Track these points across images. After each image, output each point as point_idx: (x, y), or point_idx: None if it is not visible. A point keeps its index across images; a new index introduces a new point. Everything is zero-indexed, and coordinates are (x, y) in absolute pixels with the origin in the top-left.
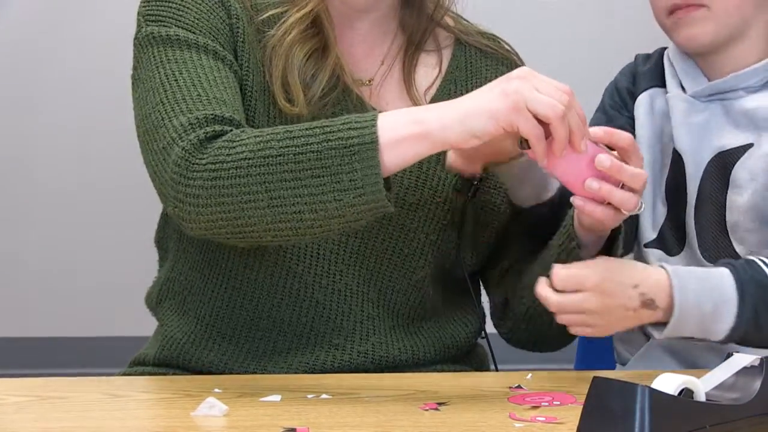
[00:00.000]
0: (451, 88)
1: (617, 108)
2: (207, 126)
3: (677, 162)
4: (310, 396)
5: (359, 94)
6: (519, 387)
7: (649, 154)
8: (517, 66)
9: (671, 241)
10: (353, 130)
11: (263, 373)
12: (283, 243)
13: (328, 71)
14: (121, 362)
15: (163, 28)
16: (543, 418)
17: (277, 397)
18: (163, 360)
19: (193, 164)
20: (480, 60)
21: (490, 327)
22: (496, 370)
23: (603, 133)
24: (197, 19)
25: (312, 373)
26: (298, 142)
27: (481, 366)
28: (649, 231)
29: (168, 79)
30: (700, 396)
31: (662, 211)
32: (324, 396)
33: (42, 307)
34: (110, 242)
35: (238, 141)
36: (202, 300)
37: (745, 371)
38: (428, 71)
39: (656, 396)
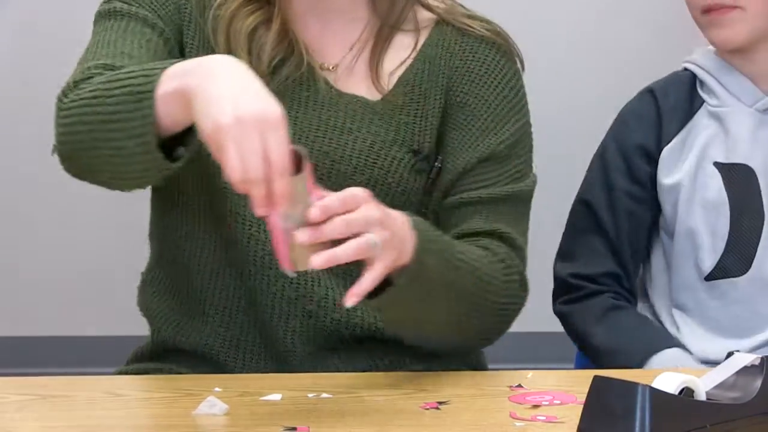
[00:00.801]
0: (422, 66)
1: (641, 184)
2: (89, 70)
3: (737, 176)
4: (310, 395)
5: (325, 76)
6: (519, 386)
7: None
8: (501, 48)
9: (736, 261)
10: (146, 76)
11: (252, 347)
12: (125, 187)
13: (271, 40)
14: (123, 361)
15: (107, 5)
16: (543, 417)
17: (277, 396)
18: (161, 344)
19: (61, 102)
20: (458, 39)
21: None
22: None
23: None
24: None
25: (292, 346)
26: (111, 85)
27: (478, 363)
28: (707, 262)
29: (92, 45)
30: (701, 395)
31: (724, 232)
32: (324, 395)
33: (42, 306)
34: (112, 242)
35: (91, 80)
36: (187, 276)
37: (746, 370)
38: (400, 52)
39: (657, 395)
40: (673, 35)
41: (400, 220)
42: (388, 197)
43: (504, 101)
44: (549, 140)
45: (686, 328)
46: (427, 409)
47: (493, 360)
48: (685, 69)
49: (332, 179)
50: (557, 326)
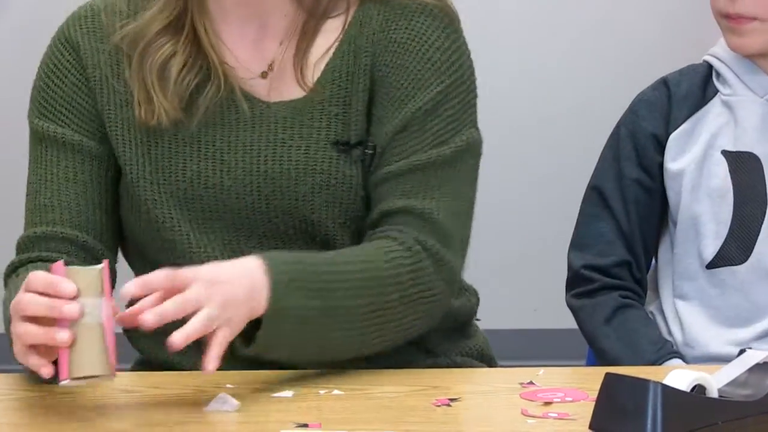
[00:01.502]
0: (347, 49)
1: (648, 169)
2: (19, 253)
3: (743, 164)
4: (321, 392)
5: (243, 87)
6: (531, 383)
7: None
8: (426, 10)
9: (736, 249)
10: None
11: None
12: None
13: (175, 72)
14: (132, 358)
15: (32, 123)
16: (555, 414)
17: (289, 393)
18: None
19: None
20: (381, 11)
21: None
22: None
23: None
24: (55, 101)
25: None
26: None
27: (487, 359)
28: (709, 248)
29: (29, 186)
30: (713, 392)
31: (727, 219)
32: (336, 392)
33: None
34: None
35: (17, 276)
36: None
37: (758, 368)
38: (328, 37)
39: (668, 392)
40: (686, 26)
41: (243, 274)
42: (336, 201)
43: (426, 65)
44: (565, 129)
45: (687, 318)
46: (439, 405)
47: (504, 357)
48: (704, 61)
49: (277, 199)
50: (568, 323)
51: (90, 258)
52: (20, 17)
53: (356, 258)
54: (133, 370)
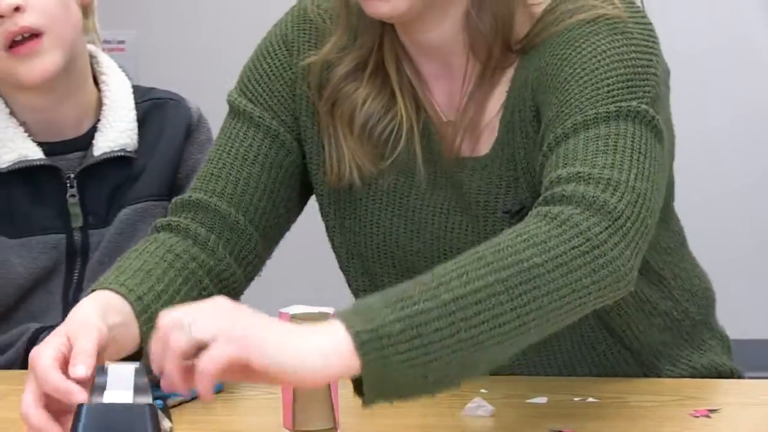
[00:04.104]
0: (513, 101)
1: None
2: (169, 215)
3: None
4: (576, 399)
5: (436, 139)
6: None
7: None
8: (584, 23)
9: None
10: None
11: None
12: None
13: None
14: None
15: (233, 98)
16: None
17: (543, 399)
18: None
19: None
20: (542, 51)
21: None
22: None
23: None
24: (259, 84)
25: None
26: None
27: (717, 369)
28: None
29: (212, 152)
30: None
31: None
32: (590, 399)
33: None
34: None
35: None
36: None
37: None
38: (501, 90)
39: None
40: None
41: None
42: None
43: (585, 63)
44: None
45: None
46: (697, 416)
47: (757, 368)
48: None
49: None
50: None
51: (234, 239)
52: None
53: (497, 246)
54: None
